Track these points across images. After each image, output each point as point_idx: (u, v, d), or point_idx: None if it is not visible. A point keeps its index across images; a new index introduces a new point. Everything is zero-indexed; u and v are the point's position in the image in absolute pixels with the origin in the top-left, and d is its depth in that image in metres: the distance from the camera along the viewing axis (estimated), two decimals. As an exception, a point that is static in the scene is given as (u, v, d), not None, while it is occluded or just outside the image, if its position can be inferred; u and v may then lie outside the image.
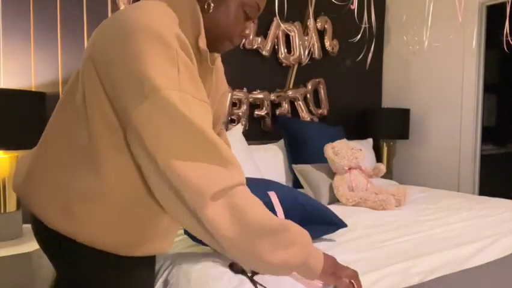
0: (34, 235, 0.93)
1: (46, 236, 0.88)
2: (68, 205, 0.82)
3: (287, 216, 1.41)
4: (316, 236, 1.51)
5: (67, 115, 0.86)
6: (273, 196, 1.40)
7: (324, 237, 1.54)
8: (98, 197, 0.82)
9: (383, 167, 2.35)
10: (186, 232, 1.32)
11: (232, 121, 2.64)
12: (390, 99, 3.52)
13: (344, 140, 2.33)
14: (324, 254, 0.86)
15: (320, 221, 1.47)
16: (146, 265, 0.95)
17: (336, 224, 1.49)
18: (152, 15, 0.76)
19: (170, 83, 0.72)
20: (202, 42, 0.86)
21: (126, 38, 0.74)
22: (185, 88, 0.74)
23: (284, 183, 2.51)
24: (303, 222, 1.44)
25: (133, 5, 0.81)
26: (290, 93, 2.89)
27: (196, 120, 0.72)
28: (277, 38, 2.80)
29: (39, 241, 0.92)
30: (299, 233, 0.79)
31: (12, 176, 1.75)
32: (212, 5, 0.85)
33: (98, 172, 0.81)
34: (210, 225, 0.71)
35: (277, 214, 1.35)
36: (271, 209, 1.37)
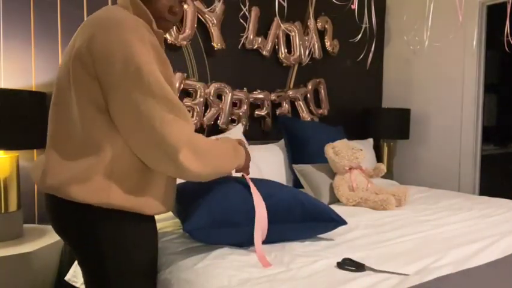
0: (55, 218, 1.12)
1: (68, 211, 1.07)
2: (81, 179, 1.02)
3: (287, 214, 1.42)
4: (316, 233, 1.51)
5: (62, 114, 1.08)
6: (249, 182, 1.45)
7: (325, 237, 1.54)
8: (102, 170, 1.03)
9: (383, 167, 2.35)
10: (186, 231, 1.32)
11: (232, 121, 2.64)
12: (390, 99, 3.52)
13: (345, 140, 2.33)
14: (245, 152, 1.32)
15: (319, 218, 1.47)
16: (151, 224, 1.18)
17: (336, 221, 1.49)
18: (123, 14, 1.05)
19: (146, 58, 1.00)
20: (155, 26, 1.13)
21: (112, 32, 1.00)
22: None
23: (284, 183, 2.51)
24: (303, 219, 1.44)
25: (103, 10, 1.10)
26: (290, 93, 2.89)
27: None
28: (277, 38, 2.80)
29: (62, 219, 1.10)
30: (230, 142, 1.23)
31: (13, 176, 1.75)
32: None
33: (98, 150, 1.03)
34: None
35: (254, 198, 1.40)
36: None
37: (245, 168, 1.37)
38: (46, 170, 1.07)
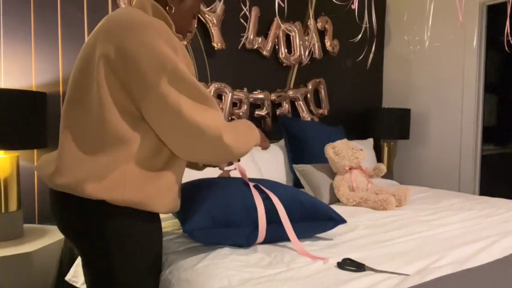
0: (63, 216, 1.12)
1: (78, 208, 1.08)
2: (98, 176, 1.04)
3: (287, 212, 1.42)
4: (316, 232, 1.51)
5: (79, 112, 1.09)
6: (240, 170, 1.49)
7: (325, 237, 1.54)
8: (118, 168, 1.05)
9: (383, 167, 2.35)
10: (186, 232, 1.32)
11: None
12: (390, 99, 3.52)
13: (345, 140, 2.33)
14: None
15: (319, 217, 1.47)
16: (156, 222, 1.20)
17: (336, 219, 1.49)
18: (146, 17, 1.08)
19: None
20: (173, 30, 1.20)
21: (139, 32, 1.03)
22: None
23: (285, 183, 2.51)
24: (302, 218, 1.44)
25: (122, 11, 1.10)
26: (291, 93, 2.89)
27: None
28: (277, 38, 2.80)
29: (70, 217, 1.11)
30: (247, 123, 1.27)
31: (13, 176, 1.75)
32: (173, 8, 1.21)
33: (114, 149, 1.05)
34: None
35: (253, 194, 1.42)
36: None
37: (263, 142, 1.43)
38: (60, 168, 1.08)
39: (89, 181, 1.04)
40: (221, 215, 1.33)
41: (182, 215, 1.39)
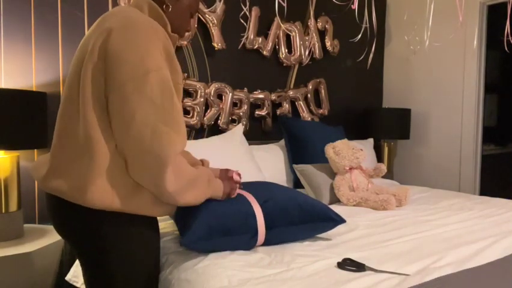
0: (58, 219, 1.11)
1: (72, 212, 1.06)
2: (87, 181, 1.01)
3: (286, 217, 1.41)
4: (316, 233, 1.50)
5: (68, 111, 1.07)
6: (250, 199, 1.40)
7: (325, 237, 1.54)
8: (104, 172, 1.02)
9: (383, 167, 2.35)
10: (184, 245, 1.30)
11: (233, 121, 2.64)
12: (391, 99, 3.52)
13: (345, 140, 2.32)
14: (221, 181, 1.28)
15: (318, 219, 1.46)
16: (153, 224, 1.18)
17: (335, 220, 1.48)
18: (140, 15, 1.07)
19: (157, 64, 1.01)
20: (169, 29, 1.18)
21: (129, 32, 1.01)
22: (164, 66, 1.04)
23: (285, 184, 2.51)
24: (302, 221, 1.44)
25: (118, 9, 1.10)
26: (291, 93, 2.89)
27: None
28: (277, 38, 2.80)
29: (65, 220, 1.10)
30: (207, 174, 1.18)
31: (14, 176, 1.75)
32: (170, 6, 1.18)
33: (100, 152, 1.01)
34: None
35: (257, 216, 1.36)
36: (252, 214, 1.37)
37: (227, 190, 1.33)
38: (51, 171, 1.06)
39: (78, 188, 1.02)
40: (218, 224, 1.29)
41: (180, 223, 1.36)
